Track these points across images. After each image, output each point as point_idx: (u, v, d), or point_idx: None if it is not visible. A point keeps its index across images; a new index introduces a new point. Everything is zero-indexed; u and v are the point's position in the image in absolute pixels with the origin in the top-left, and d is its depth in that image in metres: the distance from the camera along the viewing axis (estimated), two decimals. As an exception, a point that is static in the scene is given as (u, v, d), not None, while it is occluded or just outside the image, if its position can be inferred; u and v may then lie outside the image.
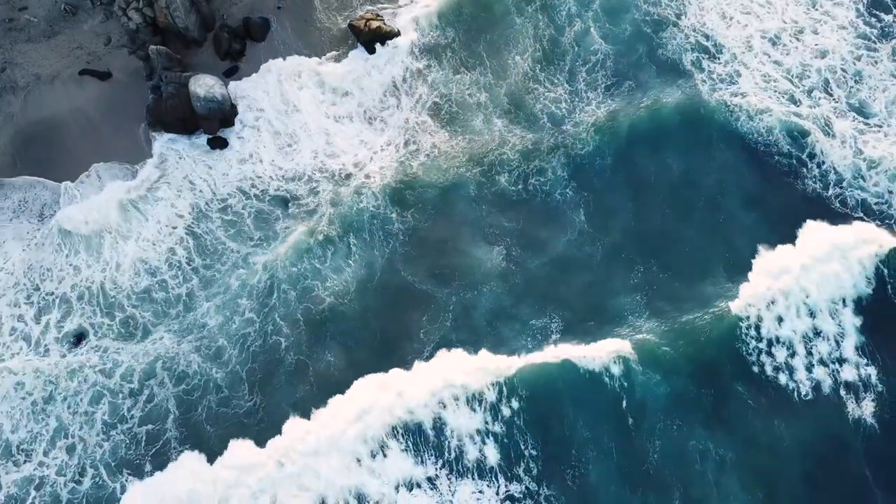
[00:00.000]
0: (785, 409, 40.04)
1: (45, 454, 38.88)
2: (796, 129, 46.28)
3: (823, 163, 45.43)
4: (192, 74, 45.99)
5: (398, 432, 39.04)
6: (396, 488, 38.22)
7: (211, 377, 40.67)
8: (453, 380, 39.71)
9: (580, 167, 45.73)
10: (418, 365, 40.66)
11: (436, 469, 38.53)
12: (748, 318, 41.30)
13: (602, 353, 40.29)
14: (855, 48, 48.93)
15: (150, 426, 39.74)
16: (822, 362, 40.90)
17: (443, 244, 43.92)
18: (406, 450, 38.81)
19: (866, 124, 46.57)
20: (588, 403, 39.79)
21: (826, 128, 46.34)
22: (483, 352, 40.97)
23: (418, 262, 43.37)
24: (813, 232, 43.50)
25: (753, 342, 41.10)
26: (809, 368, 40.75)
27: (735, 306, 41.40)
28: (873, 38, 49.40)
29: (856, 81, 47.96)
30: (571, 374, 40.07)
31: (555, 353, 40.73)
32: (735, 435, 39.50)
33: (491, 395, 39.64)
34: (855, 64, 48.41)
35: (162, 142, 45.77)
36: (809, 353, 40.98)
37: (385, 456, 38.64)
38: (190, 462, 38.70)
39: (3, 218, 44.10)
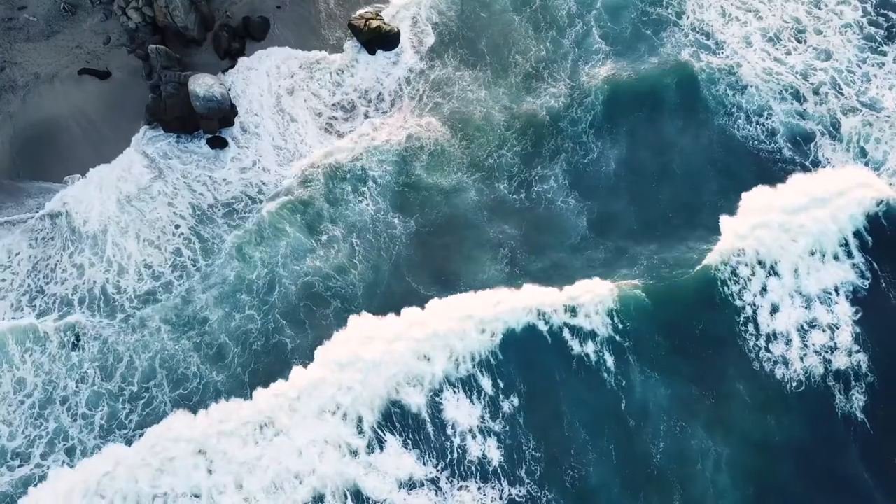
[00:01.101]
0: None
1: (43, 457, 38.79)
2: (799, 131, 46.21)
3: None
4: (191, 74, 45.82)
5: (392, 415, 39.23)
6: (399, 485, 38.16)
7: (211, 380, 40.52)
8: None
9: (580, 171, 45.79)
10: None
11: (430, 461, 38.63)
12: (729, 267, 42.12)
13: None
14: (859, 51, 48.74)
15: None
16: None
17: (446, 248, 43.73)
18: (406, 445, 38.78)
19: (876, 117, 46.46)
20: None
21: (832, 129, 46.21)
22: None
23: (422, 266, 43.11)
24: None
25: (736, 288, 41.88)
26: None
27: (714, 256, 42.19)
28: (879, 39, 49.17)
29: (864, 81, 47.76)
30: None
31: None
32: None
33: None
34: (861, 66, 48.20)
35: (141, 138, 45.78)
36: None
37: (382, 450, 38.62)
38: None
39: (16, 220, 44.12)
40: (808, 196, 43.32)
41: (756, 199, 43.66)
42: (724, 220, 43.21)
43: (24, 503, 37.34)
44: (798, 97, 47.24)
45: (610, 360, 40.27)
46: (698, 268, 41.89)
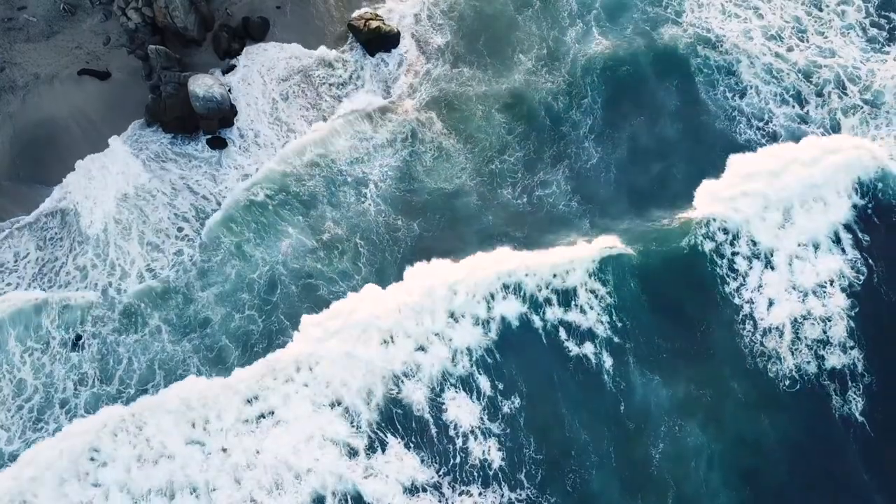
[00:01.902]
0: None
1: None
2: (801, 134, 46.26)
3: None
4: (191, 74, 45.79)
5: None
6: (402, 490, 38.09)
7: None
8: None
9: (581, 174, 45.89)
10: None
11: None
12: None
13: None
14: (862, 52, 48.72)
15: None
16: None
17: (450, 251, 43.61)
18: (407, 447, 38.68)
19: (875, 114, 46.64)
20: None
21: (831, 129, 46.33)
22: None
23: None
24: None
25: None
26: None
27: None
28: (881, 40, 49.16)
29: (869, 76, 47.88)
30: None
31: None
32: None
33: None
34: (865, 64, 48.19)
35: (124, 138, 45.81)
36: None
37: (384, 452, 38.56)
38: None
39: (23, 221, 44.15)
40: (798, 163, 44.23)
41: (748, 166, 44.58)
42: (710, 189, 44.07)
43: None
44: (799, 99, 47.24)
45: (591, 317, 41.20)
46: (681, 241, 42.68)
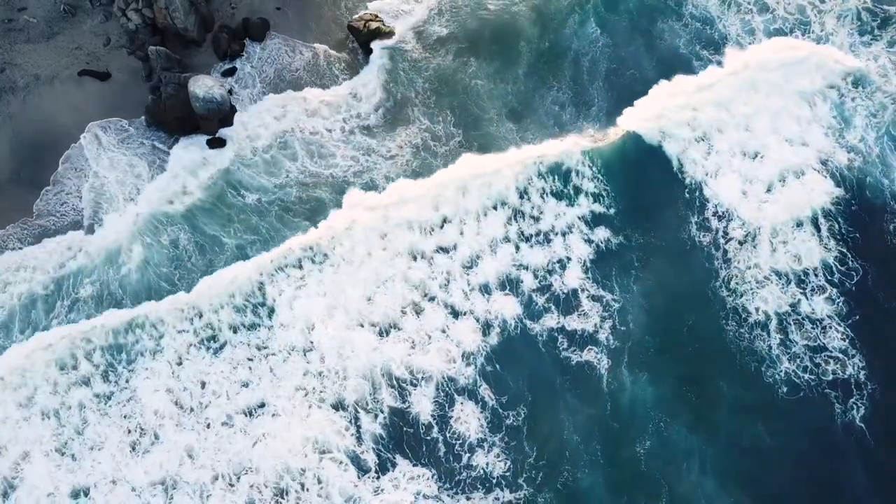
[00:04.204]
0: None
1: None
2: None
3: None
4: (191, 75, 45.86)
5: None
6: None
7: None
8: None
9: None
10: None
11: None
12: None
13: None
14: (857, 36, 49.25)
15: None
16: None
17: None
18: (412, 462, 38.56)
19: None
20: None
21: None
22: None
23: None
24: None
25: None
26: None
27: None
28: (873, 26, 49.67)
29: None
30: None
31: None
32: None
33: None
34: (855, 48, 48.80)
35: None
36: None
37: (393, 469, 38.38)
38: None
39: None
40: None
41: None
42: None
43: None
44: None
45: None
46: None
